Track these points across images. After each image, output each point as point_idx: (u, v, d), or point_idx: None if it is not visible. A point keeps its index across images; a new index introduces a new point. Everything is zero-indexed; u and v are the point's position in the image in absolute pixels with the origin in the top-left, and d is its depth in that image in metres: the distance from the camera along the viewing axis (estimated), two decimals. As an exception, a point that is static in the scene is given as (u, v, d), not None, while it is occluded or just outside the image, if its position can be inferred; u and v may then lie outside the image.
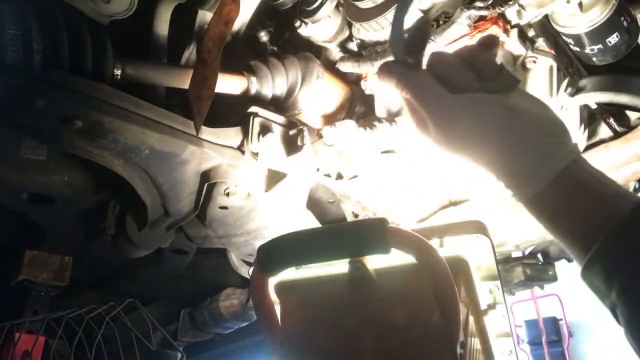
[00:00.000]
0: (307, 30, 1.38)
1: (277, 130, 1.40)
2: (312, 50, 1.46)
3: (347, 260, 0.80)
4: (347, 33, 1.42)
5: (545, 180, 0.71)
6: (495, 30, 1.18)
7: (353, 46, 1.43)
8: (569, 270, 1.93)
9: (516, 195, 0.75)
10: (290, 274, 0.89)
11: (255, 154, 1.35)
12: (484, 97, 0.75)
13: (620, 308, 0.66)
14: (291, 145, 1.40)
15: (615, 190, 0.71)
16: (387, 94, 1.36)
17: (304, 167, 1.43)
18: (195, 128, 1.23)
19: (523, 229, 1.74)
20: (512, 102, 0.75)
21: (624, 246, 0.65)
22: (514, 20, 1.17)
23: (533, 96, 0.81)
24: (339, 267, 0.85)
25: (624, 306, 0.65)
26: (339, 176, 1.50)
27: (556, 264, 2.14)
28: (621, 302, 0.65)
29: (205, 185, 1.38)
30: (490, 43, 0.82)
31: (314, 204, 1.70)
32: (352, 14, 1.30)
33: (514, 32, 1.20)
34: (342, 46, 1.45)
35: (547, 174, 0.70)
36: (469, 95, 0.76)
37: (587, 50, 1.13)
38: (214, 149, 1.32)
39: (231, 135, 1.37)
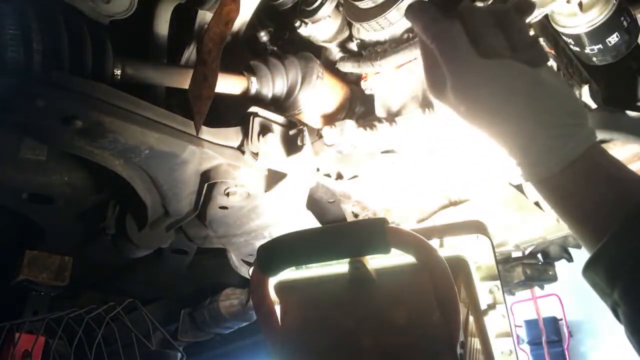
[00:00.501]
0: (307, 30, 1.38)
1: (277, 130, 1.40)
2: (312, 50, 1.46)
3: (347, 260, 0.80)
4: (347, 33, 1.42)
5: (563, 162, 0.68)
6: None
7: (353, 46, 1.43)
8: (569, 270, 1.94)
9: (529, 174, 0.71)
10: (290, 274, 0.89)
11: (255, 154, 1.35)
12: (515, 67, 0.70)
13: (622, 309, 0.64)
14: (291, 145, 1.40)
15: (631, 175, 0.68)
16: (387, 93, 1.35)
17: (304, 167, 1.43)
18: (195, 128, 1.23)
19: (523, 229, 1.74)
20: (541, 78, 0.71)
21: (630, 243, 0.63)
22: (514, 20, 1.17)
23: (559, 74, 0.77)
24: (339, 267, 0.85)
25: (627, 307, 0.64)
26: (339, 176, 1.50)
27: (556, 264, 2.14)
28: (624, 303, 0.64)
29: (205, 185, 1.38)
30: (526, 8, 0.76)
31: (314, 204, 1.70)
32: (352, 14, 1.30)
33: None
34: (342, 46, 1.45)
35: (566, 156, 0.68)
36: (499, 61, 0.71)
37: (587, 50, 1.13)
38: (214, 149, 1.32)
39: (231, 135, 1.37)
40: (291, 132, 1.41)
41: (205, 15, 1.39)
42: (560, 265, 2.12)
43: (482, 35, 0.72)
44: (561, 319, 5.98)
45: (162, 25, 1.37)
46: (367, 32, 1.30)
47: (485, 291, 0.92)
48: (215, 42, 1.18)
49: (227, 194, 1.41)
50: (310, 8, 1.35)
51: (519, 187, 1.55)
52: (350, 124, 1.35)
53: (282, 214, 1.53)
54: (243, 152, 1.37)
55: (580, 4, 1.07)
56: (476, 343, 0.88)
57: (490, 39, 0.72)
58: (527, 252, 2.08)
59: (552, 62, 1.27)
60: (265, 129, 1.37)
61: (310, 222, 1.59)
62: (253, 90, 1.38)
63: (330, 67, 1.46)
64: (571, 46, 1.16)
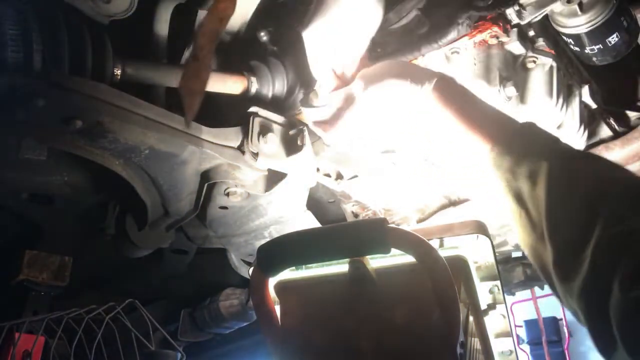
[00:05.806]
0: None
1: (277, 130, 1.40)
2: (312, 50, 1.45)
3: (347, 260, 0.80)
4: (347, 33, 1.42)
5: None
6: (495, 30, 1.18)
7: (353, 46, 1.43)
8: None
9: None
10: (290, 274, 0.89)
11: (255, 154, 1.35)
12: None
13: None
14: (291, 145, 1.40)
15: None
16: None
17: (304, 167, 1.43)
18: (185, 123, 1.22)
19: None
20: None
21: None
22: (514, 20, 1.17)
23: None
24: (339, 267, 0.85)
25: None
26: (339, 176, 1.50)
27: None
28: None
29: (205, 185, 1.38)
30: None
31: (314, 204, 1.70)
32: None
33: (514, 32, 1.20)
34: (342, 46, 1.44)
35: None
36: None
37: (587, 50, 1.13)
38: (214, 149, 1.32)
39: (231, 135, 1.37)
40: (291, 132, 1.41)
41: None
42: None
43: None
44: (561, 319, 5.98)
45: (162, 25, 1.37)
46: (367, 32, 1.30)
47: (485, 291, 0.92)
48: (209, 38, 1.17)
49: (227, 194, 1.41)
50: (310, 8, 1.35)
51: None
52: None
53: (282, 214, 1.53)
54: (243, 152, 1.37)
55: (580, 4, 1.08)
56: (476, 343, 0.88)
57: None
58: (527, 252, 2.07)
59: (552, 63, 1.27)
60: (265, 129, 1.37)
61: (310, 222, 1.59)
62: (253, 90, 1.38)
63: (330, 67, 1.45)
64: (571, 46, 1.16)
